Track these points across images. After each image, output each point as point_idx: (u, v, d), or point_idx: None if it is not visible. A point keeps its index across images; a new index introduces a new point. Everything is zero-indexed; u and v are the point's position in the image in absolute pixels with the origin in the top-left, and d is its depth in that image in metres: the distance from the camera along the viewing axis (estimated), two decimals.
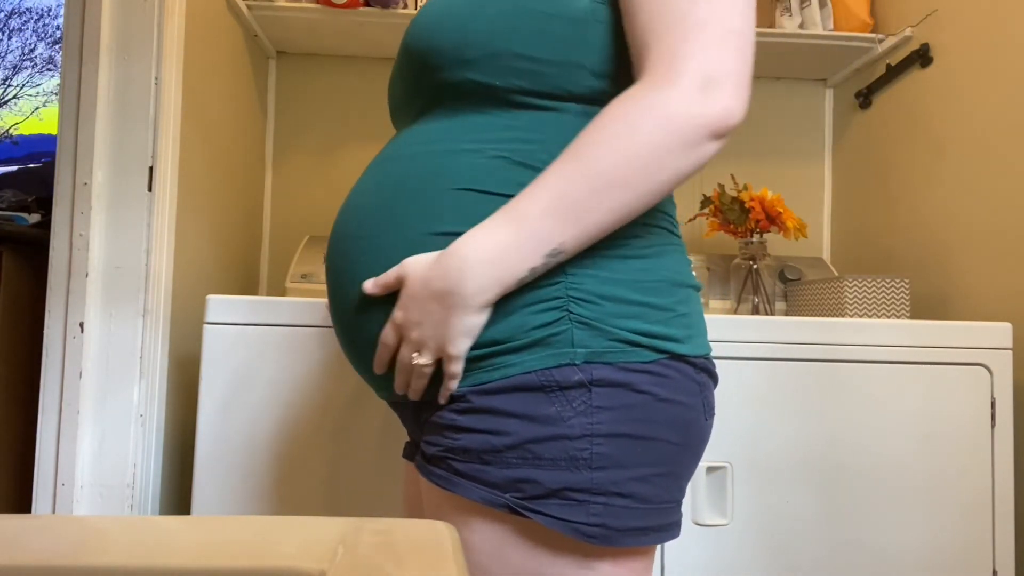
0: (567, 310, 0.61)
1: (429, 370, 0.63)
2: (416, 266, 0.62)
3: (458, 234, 0.61)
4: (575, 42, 0.63)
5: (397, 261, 0.63)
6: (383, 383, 0.69)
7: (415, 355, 0.62)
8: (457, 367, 0.61)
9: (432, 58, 0.66)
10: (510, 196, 0.61)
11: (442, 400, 0.63)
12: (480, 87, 0.65)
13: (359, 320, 0.67)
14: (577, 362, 0.60)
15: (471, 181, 0.63)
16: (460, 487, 0.61)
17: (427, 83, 0.68)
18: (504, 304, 0.61)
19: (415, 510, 0.83)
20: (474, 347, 0.61)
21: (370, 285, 0.64)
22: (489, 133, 0.65)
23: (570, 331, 0.60)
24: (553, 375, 0.60)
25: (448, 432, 0.62)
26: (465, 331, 0.60)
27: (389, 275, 0.63)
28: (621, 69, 0.65)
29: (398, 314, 0.62)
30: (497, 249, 0.59)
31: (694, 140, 0.57)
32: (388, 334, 0.64)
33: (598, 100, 0.65)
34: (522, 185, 0.61)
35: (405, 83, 0.72)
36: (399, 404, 0.73)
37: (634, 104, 0.58)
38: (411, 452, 0.83)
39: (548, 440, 0.59)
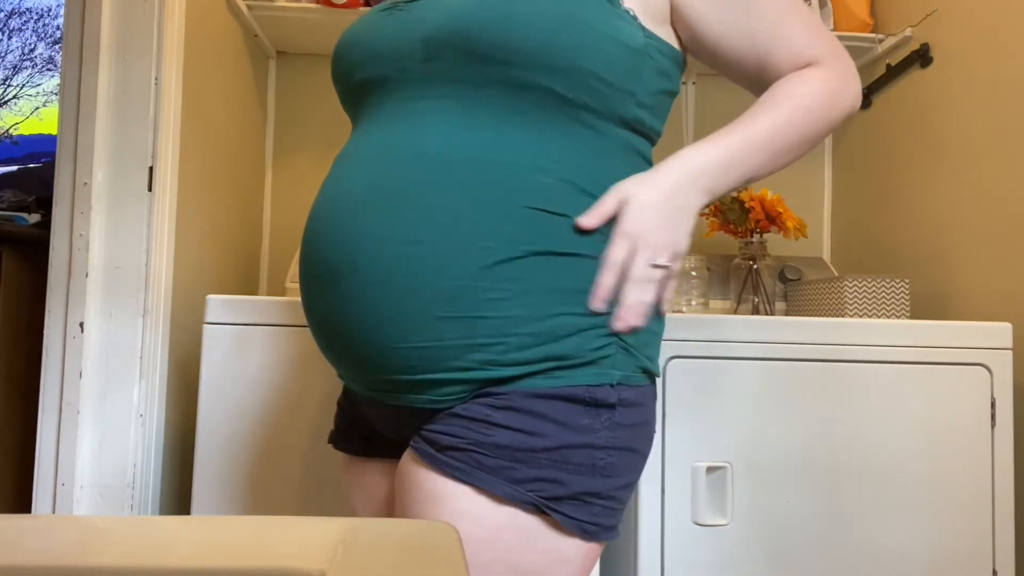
0: (617, 337, 0.67)
1: (668, 275, 0.68)
2: (637, 182, 0.67)
3: (532, 255, 0.63)
4: (632, 71, 0.69)
5: (465, 277, 0.63)
6: (362, 378, 0.70)
7: (657, 260, 0.67)
8: (679, 265, 0.69)
9: (504, 53, 0.64)
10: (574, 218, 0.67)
11: (665, 309, 0.70)
12: (553, 96, 0.66)
13: (408, 322, 0.64)
14: (613, 383, 0.66)
15: (542, 201, 0.65)
16: (484, 481, 0.63)
17: (482, 75, 0.66)
18: (568, 326, 0.65)
19: (373, 505, 0.83)
20: (537, 359, 0.64)
21: (586, 219, 0.66)
22: (553, 152, 0.66)
23: (615, 355, 0.66)
24: (594, 392, 0.65)
25: (477, 425, 0.64)
26: (689, 231, 0.70)
27: (607, 203, 0.66)
28: (655, 104, 0.72)
29: (631, 225, 0.66)
30: (714, 164, 0.69)
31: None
32: (619, 249, 0.66)
33: (633, 128, 0.71)
34: (583, 209, 0.66)
35: (429, 64, 0.68)
36: (381, 403, 0.72)
37: (833, 90, 0.72)
38: (350, 444, 0.84)
39: (579, 448, 0.64)
